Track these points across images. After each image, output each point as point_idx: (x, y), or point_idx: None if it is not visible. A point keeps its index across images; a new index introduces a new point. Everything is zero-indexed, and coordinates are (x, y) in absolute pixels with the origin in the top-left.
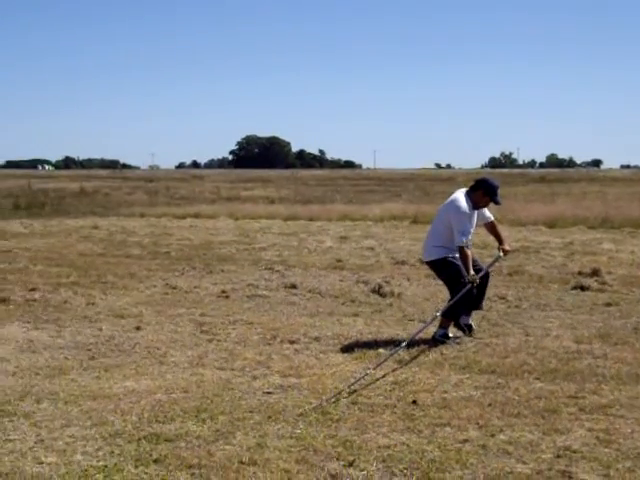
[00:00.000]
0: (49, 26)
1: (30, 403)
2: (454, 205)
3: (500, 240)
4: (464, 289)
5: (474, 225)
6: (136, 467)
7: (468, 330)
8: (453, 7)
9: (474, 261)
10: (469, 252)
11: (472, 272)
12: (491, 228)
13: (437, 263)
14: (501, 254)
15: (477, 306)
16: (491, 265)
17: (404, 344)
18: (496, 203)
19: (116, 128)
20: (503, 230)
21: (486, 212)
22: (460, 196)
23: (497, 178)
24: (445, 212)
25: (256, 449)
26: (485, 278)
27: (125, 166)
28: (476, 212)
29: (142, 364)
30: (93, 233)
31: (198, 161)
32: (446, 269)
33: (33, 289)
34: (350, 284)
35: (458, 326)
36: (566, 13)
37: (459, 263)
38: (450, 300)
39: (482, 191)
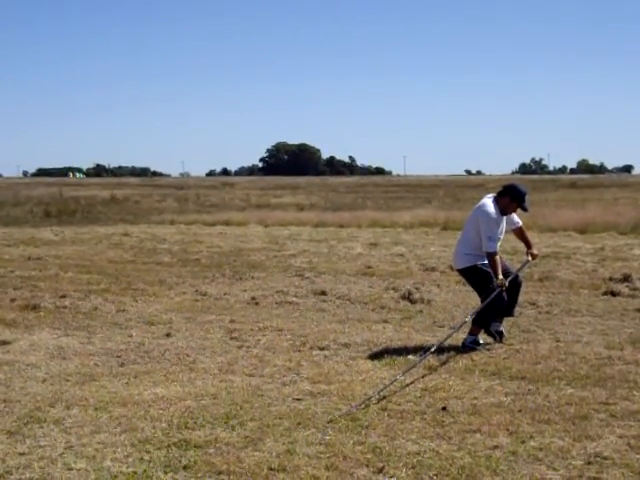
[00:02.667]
0: (80, 33)
1: (60, 409)
2: (481, 211)
3: (528, 245)
4: (493, 294)
5: (503, 231)
6: (165, 473)
7: (499, 337)
8: (482, 15)
9: (505, 267)
10: (498, 258)
11: (501, 277)
12: (519, 233)
13: (467, 271)
14: (529, 259)
15: (509, 313)
16: (520, 270)
17: (433, 349)
18: (524, 209)
19: (147, 136)
20: (534, 236)
21: (514, 217)
22: (488, 202)
23: (527, 184)
24: (473, 218)
25: (285, 455)
26: (517, 285)
27: (156, 174)
28: (504, 218)
29: (172, 371)
30: (123, 240)
31: (228, 168)
32: (476, 276)
33: (63, 296)
34: (380, 291)
35: (489, 332)
36: (595, 20)
37: (489, 270)
38: (480, 305)
39: (509, 197)
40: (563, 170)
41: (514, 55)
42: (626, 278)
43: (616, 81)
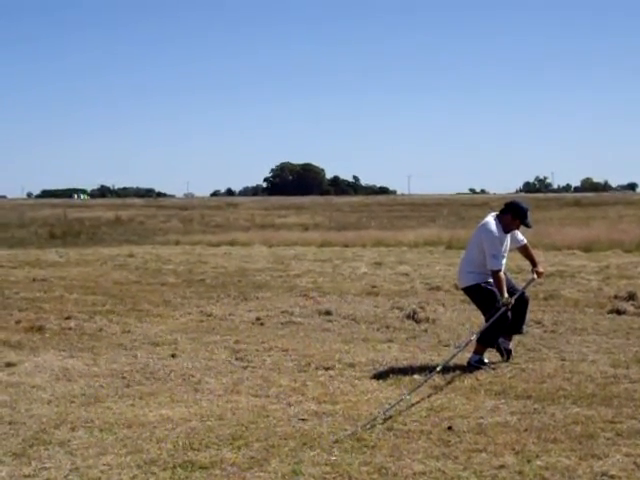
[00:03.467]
0: (83, 53)
1: (65, 431)
2: (485, 229)
3: (533, 263)
4: (498, 313)
5: (507, 248)
6: None
7: (507, 354)
8: (484, 33)
9: (510, 285)
10: (502, 275)
11: (506, 295)
12: (524, 251)
13: (471, 289)
14: (535, 276)
15: (517, 330)
16: (525, 287)
17: (438, 368)
18: (526, 226)
19: (151, 157)
20: (538, 254)
21: (518, 235)
22: (490, 220)
23: (532, 203)
24: (477, 237)
25: (291, 476)
26: (524, 302)
27: (160, 194)
28: (508, 236)
29: (177, 391)
30: (128, 261)
31: (233, 189)
32: (480, 295)
33: (68, 317)
34: (385, 310)
35: (498, 349)
36: (598, 38)
37: (493, 288)
38: (485, 324)
39: (511, 214)
40: (567, 188)
41: (517, 73)
42: (631, 296)
43: (620, 99)
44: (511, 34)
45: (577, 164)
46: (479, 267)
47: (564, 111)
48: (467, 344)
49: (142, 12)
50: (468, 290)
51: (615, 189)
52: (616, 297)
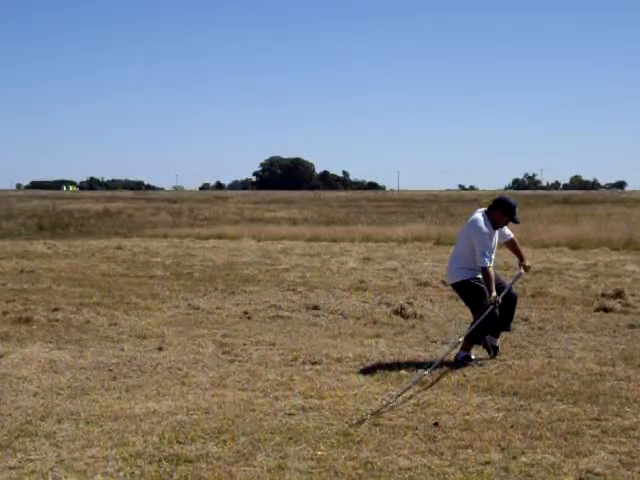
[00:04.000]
0: (73, 46)
1: (51, 423)
2: (474, 225)
3: (521, 257)
4: (486, 311)
5: (496, 244)
6: None
7: (494, 351)
8: (473, 32)
9: (499, 281)
10: (492, 272)
11: (494, 293)
12: (511, 245)
13: (460, 285)
14: (522, 271)
15: (505, 327)
16: (513, 282)
17: (427, 371)
18: (515, 222)
19: (140, 149)
20: (526, 251)
21: (506, 230)
22: (479, 216)
23: (520, 199)
24: (466, 233)
25: (277, 470)
26: (512, 299)
27: (149, 187)
28: (497, 232)
29: (164, 385)
30: (116, 254)
31: (222, 182)
32: (469, 291)
33: (56, 309)
34: (373, 305)
35: (485, 346)
36: (588, 36)
37: (482, 285)
38: (473, 323)
39: (500, 210)
40: (556, 186)
41: (507, 70)
42: (618, 294)
43: (609, 97)
44: (501, 33)
45: (566, 162)
46: (468, 263)
47: (554, 109)
48: (455, 345)
49: (137, 9)
50: (457, 286)
51: (604, 187)
52: (603, 295)
